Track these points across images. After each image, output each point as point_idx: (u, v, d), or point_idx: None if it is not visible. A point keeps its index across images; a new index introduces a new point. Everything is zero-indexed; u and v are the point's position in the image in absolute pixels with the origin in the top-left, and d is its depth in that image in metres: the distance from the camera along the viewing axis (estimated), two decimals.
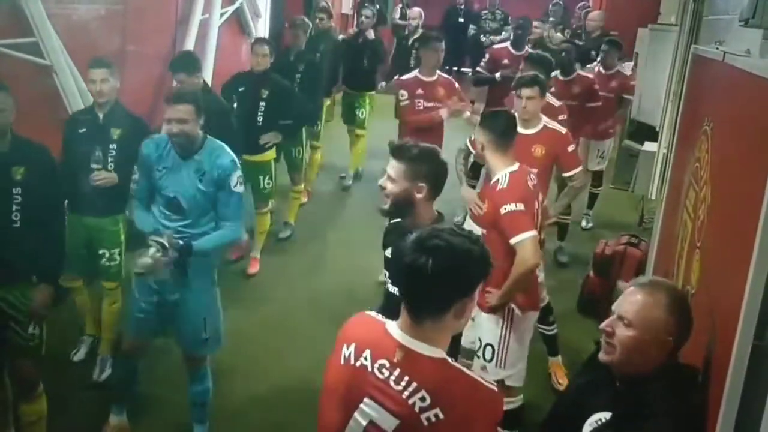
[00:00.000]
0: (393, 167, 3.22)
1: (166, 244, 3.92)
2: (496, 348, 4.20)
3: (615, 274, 6.27)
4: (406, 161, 3.19)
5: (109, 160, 4.82)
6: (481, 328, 4.21)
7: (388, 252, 3.37)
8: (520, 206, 3.98)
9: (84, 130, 4.87)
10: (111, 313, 5.19)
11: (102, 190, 4.78)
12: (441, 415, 2.10)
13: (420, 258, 2.07)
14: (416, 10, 10.85)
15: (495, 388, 2.25)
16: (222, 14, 8.83)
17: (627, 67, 9.94)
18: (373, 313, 2.38)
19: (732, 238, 2.62)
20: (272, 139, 6.72)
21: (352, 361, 2.22)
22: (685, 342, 2.48)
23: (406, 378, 2.14)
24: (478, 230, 3.97)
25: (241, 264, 6.91)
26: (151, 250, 3.91)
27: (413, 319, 2.16)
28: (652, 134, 7.58)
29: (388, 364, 2.17)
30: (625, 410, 2.44)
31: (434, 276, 2.08)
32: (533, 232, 3.97)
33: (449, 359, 2.20)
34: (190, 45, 8.03)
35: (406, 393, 2.13)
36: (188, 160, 4.15)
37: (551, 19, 14.52)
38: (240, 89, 6.73)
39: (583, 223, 8.55)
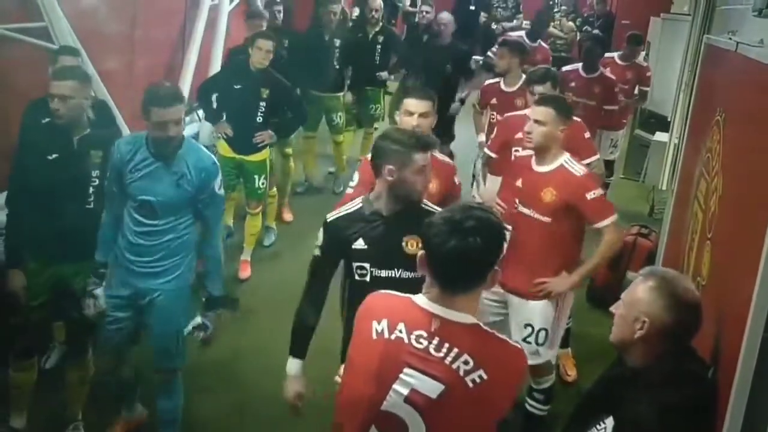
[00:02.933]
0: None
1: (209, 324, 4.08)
2: (549, 331, 4.30)
3: (625, 265, 6.25)
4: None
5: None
6: (534, 314, 4.24)
7: (359, 244, 3.28)
8: (601, 191, 4.17)
9: (56, 155, 4.17)
10: None
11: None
12: (485, 376, 2.20)
13: (466, 240, 2.16)
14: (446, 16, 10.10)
15: (519, 347, 2.39)
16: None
17: (640, 57, 9.92)
18: (391, 291, 2.43)
19: (743, 230, 2.60)
20: (267, 138, 6.38)
21: (386, 335, 2.27)
22: (683, 331, 2.46)
23: (447, 345, 2.22)
24: None
25: (231, 269, 6.52)
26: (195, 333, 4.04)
27: (447, 293, 2.25)
28: (663, 124, 7.59)
29: (425, 334, 2.24)
30: (625, 395, 2.46)
31: (482, 253, 2.19)
32: (616, 215, 4.16)
33: (480, 323, 2.29)
34: (199, 30, 8.01)
35: (449, 359, 2.21)
36: (165, 162, 3.89)
37: (563, 7, 14.49)
38: (236, 86, 6.32)
39: None
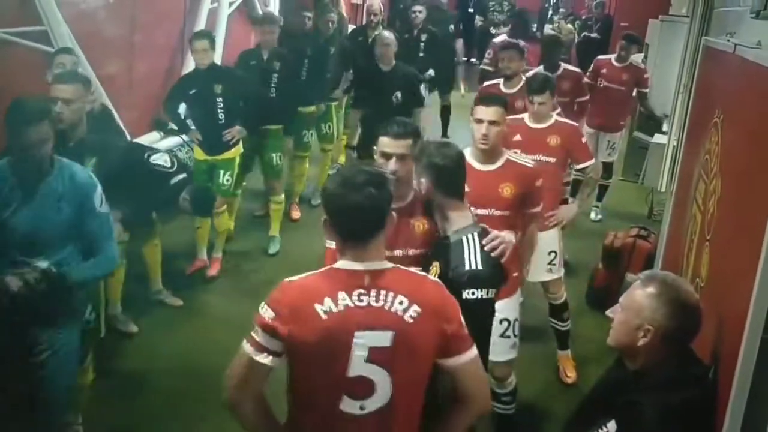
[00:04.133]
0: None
1: (32, 275, 3.33)
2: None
3: (624, 267, 6.25)
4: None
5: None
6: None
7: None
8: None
9: None
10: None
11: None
12: (419, 309, 2.40)
13: (362, 192, 2.37)
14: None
15: (435, 280, 2.64)
16: (231, 2, 8.83)
17: (637, 59, 9.91)
18: (299, 276, 2.47)
19: (742, 231, 2.61)
20: (236, 134, 6.29)
21: (335, 309, 2.36)
22: (684, 334, 2.47)
23: (382, 293, 2.40)
24: None
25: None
26: (12, 282, 3.31)
27: (359, 247, 2.43)
28: (660, 126, 7.60)
29: (363, 291, 2.39)
30: (628, 398, 2.47)
31: (379, 201, 2.41)
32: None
33: (397, 265, 2.51)
34: None
35: (387, 304, 2.39)
36: (40, 186, 3.46)
37: (561, 9, 14.52)
38: (192, 91, 6.28)
39: (593, 215, 8.53)
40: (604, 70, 8.07)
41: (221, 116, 6.25)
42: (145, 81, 7.21)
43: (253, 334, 2.40)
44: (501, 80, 6.52)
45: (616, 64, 8.19)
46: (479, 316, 2.91)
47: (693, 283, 3.28)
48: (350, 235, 2.44)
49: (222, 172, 6.37)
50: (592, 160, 5.40)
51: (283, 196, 7.22)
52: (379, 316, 2.38)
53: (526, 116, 5.12)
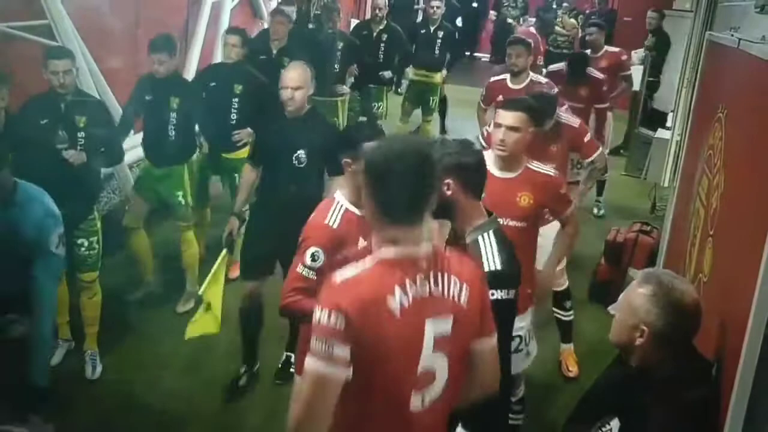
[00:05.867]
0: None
1: None
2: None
3: (626, 262, 6.26)
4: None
5: (78, 148, 4.69)
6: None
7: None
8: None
9: (46, 120, 4.65)
10: (93, 307, 5.00)
11: (75, 176, 4.63)
12: (468, 288, 2.32)
13: (419, 161, 2.20)
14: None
15: (468, 256, 2.58)
16: None
17: (637, 55, 9.92)
18: (348, 270, 2.26)
19: (745, 227, 2.61)
20: (246, 136, 6.12)
21: (407, 303, 2.20)
22: (681, 334, 2.45)
23: (438, 277, 2.27)
24: None
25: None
26: None
27: (407, 229, 2.24)
28: (664, 120, 7.59)
29: (422, 277, 2.24)
30: (630, 397, 2.47)
31: (433, 172, 2.25)
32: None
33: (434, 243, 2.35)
34: (202, 28, 8.03)
35: (446, 289, 2.28)
36: None
37: (564, 4, 14.48)
38: (211, 84, 6.19)
39: (595, 211, 8.52)
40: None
41: (234, 116, 6.16)
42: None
43: (320, 347, 2.13)
44: (508, 76, 6.44)
45: (591, 55, 8.19)
46: (499, 318, 2.75)
47: (696, 279, 3.28)
48: (404, 213, 2.24)
49: (237, 176, 6.17)
50: (600, 150, 5.42)
51: None
52: (442, 302, 2.27)
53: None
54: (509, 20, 14.20)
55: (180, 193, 5.80)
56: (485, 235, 2.95)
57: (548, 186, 3.98)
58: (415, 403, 2.26)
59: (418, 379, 2.25)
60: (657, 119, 9.03)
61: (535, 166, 4.01)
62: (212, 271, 4.51)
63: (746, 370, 2.32)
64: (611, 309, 2.61)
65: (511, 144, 3.86)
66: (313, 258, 3.22)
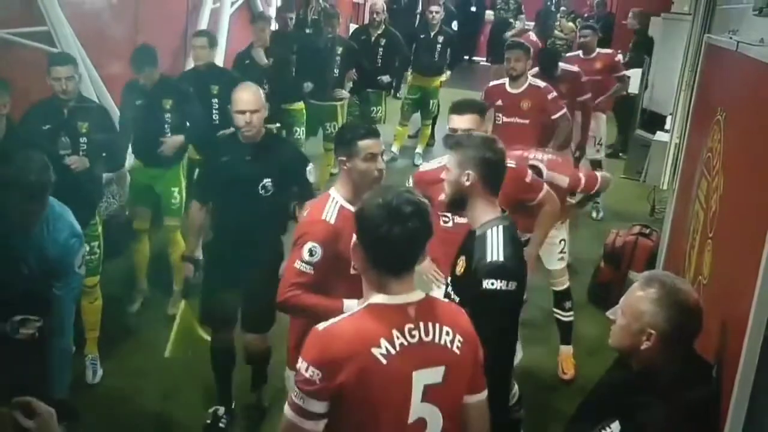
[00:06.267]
0: (448, 157, 3.20)
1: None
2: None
3: (626, 265, 6.25)
4: (455, 148, 3.14)
5: (81, 153, 4.77)
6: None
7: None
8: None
9: (49, 126, 4.76)
10: (93, 312, 5.01)
11: (77, 182, 4.62)
12: (461, 338, 2.30)
13: (407, 225, 2.20)
14: None
15: (456, 304, 2.62)
16: (233, 2, 8.83)
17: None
18: (336, 319, 2.27)
19: (745, 229, 2.61)
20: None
21: (393, 351, 2.19)
22: (686, 336, 2.46)
23: (429, 325, 2.26)
24: None
25: None
26: None
27: (396, 279, 2.26)
28: (662, 123, 7.60)
29: (412, 326, 2.23)
30: (631, 399, 2.47)
31: (423, 235, 2.26)
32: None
33: (426, 293, 2.35)
34: None
35: (437, 337, 2.26)
36: (21, 239, 3.27)
37: (563, 8, 14.50)
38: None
39: (594, 214, 8.52)
40: (575, 66, 7.81)
41: (216, 118, 6.22)
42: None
43: (296, 400, 2.15)
44: (506, 80, 6.42)
45: (583, 56, 8.22)
46: (497, 309, 2.86)
47: (695, 281, 3.29)
48: (392, 268, 2.26)
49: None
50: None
51: None
52: (432, 351, 2.24)
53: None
54: (510, 19, 14.21)
55: (176, 189, 5.86)
56: (494, 228, 2.99)
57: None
58: None
59: (411, 428, 2.24)
60: (649, 121, 9.10)
61: None
62: (173, 330, 4.47)
63: (746, 371, 2.33)
64: (610, 314, 2.60)
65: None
66: (311, 253, 3.24)
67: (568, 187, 4.99)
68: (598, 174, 5.34)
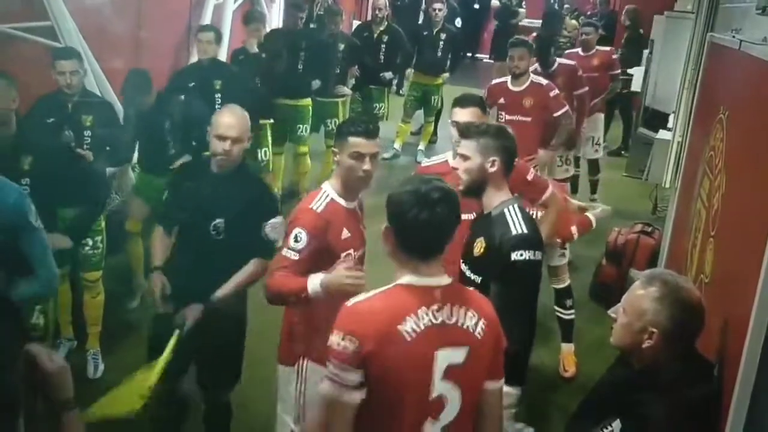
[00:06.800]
0: (464, 146, 3.27)
1: None
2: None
3: (628, 263, 6.25)
4: (476, 137, 3.24)
5: (85, 147, 4.80)
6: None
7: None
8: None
9: (53, 120, 4.79)
10: (95, 307, 4.98)
11: (83, 176, 4.46)
12: (484, 323, 2.39)
13: (435, 210, 2.29)
14: None
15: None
16: None
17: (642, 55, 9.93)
18: (364, 295, 2.39)
19: (747, 227, 2.62)
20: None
21: (419, 329, 2.29)
22: (688, 334, 2.46)
23: (454, 309, 2.36)
24: None
25: None
26: None
27: (424, 263, 2.36)
28: (665, 122, 7.59)
29: (437, 307, 2.33)
30: (633, 398, 2.47)
31: (452, 220, 2.36)
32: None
33: (454, 279, 2.49)
34: None
35: (461, 320, 2.36)
36: None
37: (566, 5, 14.48)
38: (191, 84, 6.22)
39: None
40: (573, 62, 7.68)
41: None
42: (151, 76, 7.21)
43: (334, 371, 2.24)
44: (508, 78, 6.39)
45: (582, 53, 8.23)
46: (529, 278, 3.09)
47: (697, 280, 3.29)
48: (420, 252, 2.37)
49: None
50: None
51: (275, 190, 7.08)
52: (455, 332, 2.34)
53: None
54: (515, 8, 14.19)
55: None
56: (510, 207, 3.17)
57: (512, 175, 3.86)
58: (429, 429, 2.34)
59: (431, 406, 2.33)
60: (651, 119, 9.11)
61: None
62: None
63: (748, 370, 2.33)
64: (611, 312, 2.60)
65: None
66: (296, 239, 3.20)
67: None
68: (590, 216, 5.22)
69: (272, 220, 3.70)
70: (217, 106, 6.08)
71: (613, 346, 2.61)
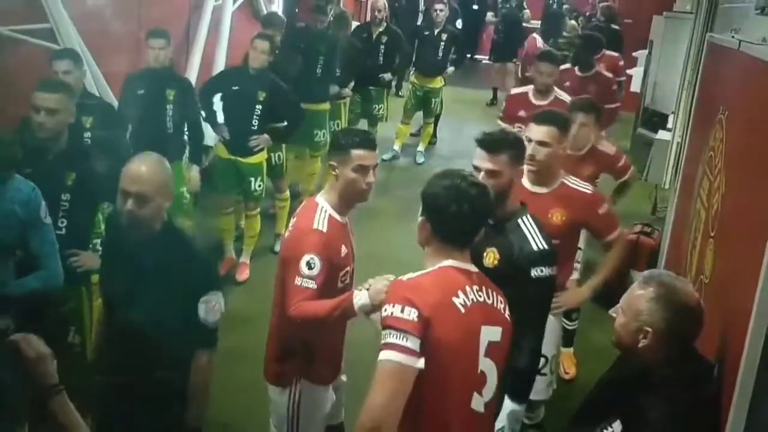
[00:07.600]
0: (493, 161, 3.08)
1: None
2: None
3: (627, 263, 6.24)
4: (507, 149, 3.11)
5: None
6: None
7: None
8: (608, 205, 4.08)
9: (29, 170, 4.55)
10: (99, 310, 4.96)
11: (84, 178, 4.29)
12: (507, 307, 2.60)
13: (474, 203, 2.47)
14: None
15: None
16: (235, 0, 8.82)
17: (641, 56, 9.93)
18: (416, 274, 2.49)
19: (746, 228, 2.62)
20: (263, 143, 6.25)
21: (470, 303, 2.44)
22: (684, 335, 2.46)
23: (488, 291, 2.55)
24: None
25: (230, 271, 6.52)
26: None
27: (460, 250, 2.53)
28: (664, 122, 7.60)
29: (477, 288, 2.51)
30: (632, 398, 2.47)
31: (487, 211, 2.60)
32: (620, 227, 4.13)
33: None
34: (203, 31, 8.03)
35: (496, 302, 2.56)
36: None
37: (565, 6, 14.49)
38: (234, 87, 6.23)
39: None
40: (567, 83, 7.19)
41: (255, 122, 6.19)
42: None
43: (396, 341, 2.25)
44: (530, 89, 6.08)
45: (579, 74, 8.07)
46: (546, 293, 3.13)
47: (697, 280, 3.29)
48: (459, 241, 2.53)
49: (252, 179, 6.32)
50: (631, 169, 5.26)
51: (287, 193, 7.10)
52: (494, 311, 2.54)
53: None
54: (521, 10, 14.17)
55: (183, 189, 5.86)
56: (524, 218, 3.13)
57: (583, 203, 3.84)
58: (476, 402, 2.46)
59: (478, 380, 2.46)
60: (650, 120, 9.12)
61: (572, 182, 3.89)
62: None
63: (747, 371, 2.33)
64: (612, 312, 2.61)
65: (540, 159, 3.72)
66: (309, 266, 3.04)
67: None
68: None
69: (206, 296, 3.00)
70: (255, 115, 6.14)
71: (614, 345, 2.62)
